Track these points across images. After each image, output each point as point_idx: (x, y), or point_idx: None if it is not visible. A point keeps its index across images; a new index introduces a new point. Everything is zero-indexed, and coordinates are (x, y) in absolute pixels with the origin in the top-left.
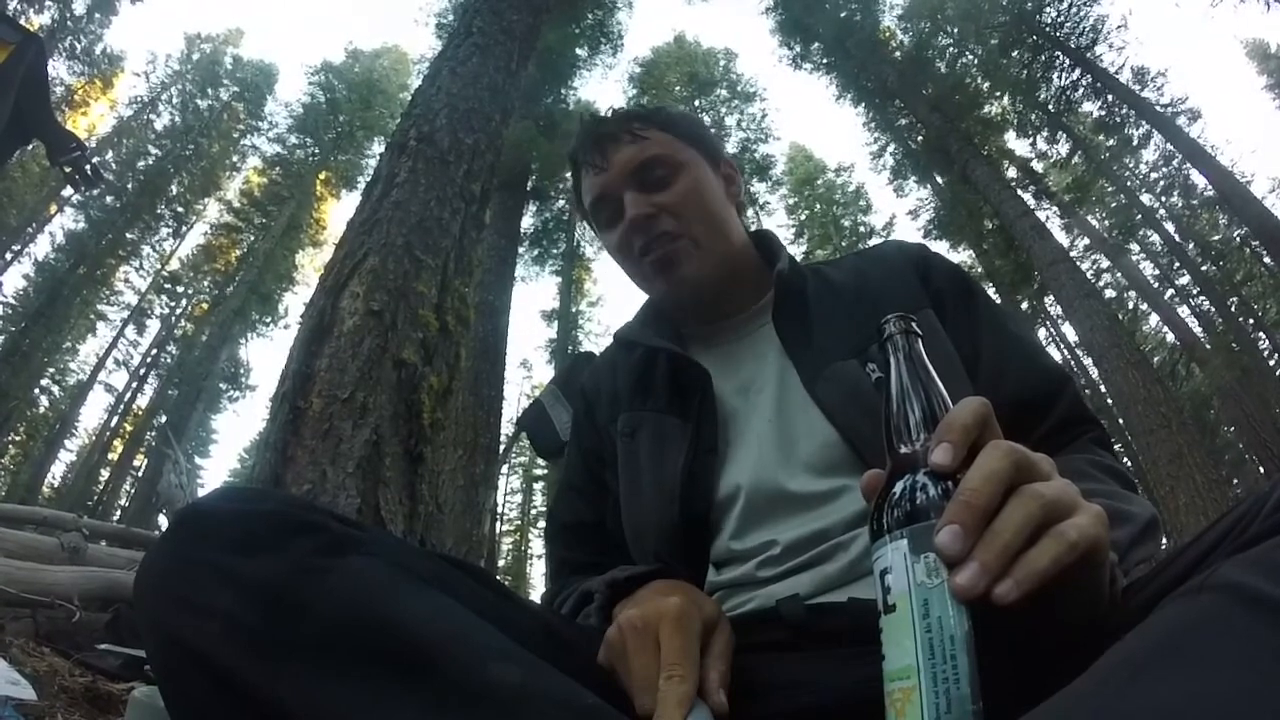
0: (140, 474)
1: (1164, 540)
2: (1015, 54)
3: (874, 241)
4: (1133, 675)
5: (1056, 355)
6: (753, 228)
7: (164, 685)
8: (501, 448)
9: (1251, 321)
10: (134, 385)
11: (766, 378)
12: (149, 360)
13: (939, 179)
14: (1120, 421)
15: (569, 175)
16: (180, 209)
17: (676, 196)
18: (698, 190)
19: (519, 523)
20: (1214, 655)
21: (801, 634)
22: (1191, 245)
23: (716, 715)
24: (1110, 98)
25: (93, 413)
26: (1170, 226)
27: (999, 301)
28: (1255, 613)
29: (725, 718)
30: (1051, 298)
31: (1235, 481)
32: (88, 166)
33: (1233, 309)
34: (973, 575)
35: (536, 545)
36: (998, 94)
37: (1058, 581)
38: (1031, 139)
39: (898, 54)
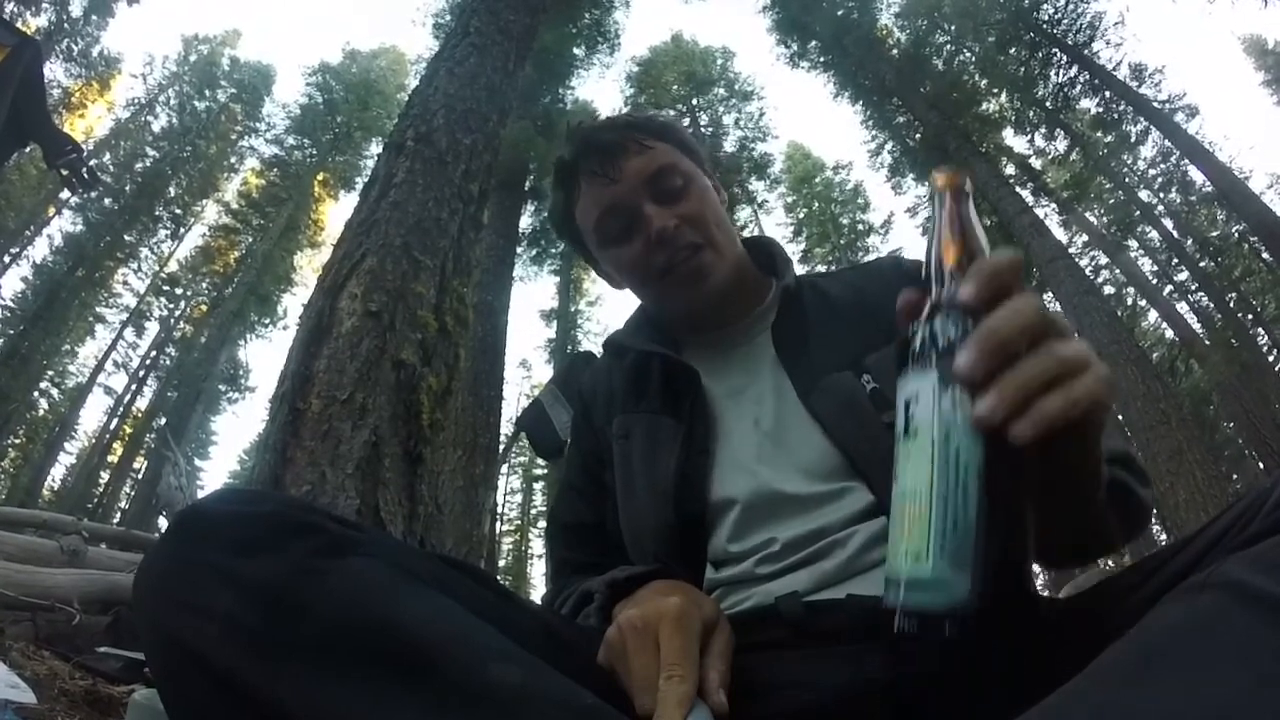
0: (140, 476)
1: (1159, 532)
2: (1013, 51)
3: (872, 239)
4: (1133, 674)
5: None
6: (750, 227)
7: (163, 687)
8: (501, 448)
9: (1250, 317)
10: (133, 387)
11: (761, 386)
12: (148, 362)
13: None
14: (1120, 418)
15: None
16: (178, 211)
17: (694, 207)
18: (709, 199)
19: (519, 523)
20: (1214, 654)
21: (800, 632)
22: (1190, 241)
23: (716, 715)
24: (1108, 94)
25: (92, 415)
26: (1169, 223)
27: None
28: (1256, 611)
29: (725, 718)
30: (1050, 294)
31: (1235, 477)
32: (84, 169)
33: (1231, 305)
34: (992, 404)
35: (536, 545)
36: (995, 91)
37: (1061, 434)
38: (1029, 136)
39: (895, 52)
